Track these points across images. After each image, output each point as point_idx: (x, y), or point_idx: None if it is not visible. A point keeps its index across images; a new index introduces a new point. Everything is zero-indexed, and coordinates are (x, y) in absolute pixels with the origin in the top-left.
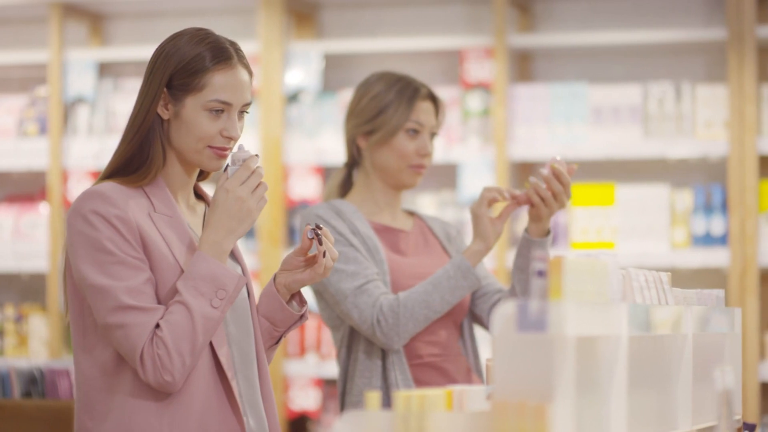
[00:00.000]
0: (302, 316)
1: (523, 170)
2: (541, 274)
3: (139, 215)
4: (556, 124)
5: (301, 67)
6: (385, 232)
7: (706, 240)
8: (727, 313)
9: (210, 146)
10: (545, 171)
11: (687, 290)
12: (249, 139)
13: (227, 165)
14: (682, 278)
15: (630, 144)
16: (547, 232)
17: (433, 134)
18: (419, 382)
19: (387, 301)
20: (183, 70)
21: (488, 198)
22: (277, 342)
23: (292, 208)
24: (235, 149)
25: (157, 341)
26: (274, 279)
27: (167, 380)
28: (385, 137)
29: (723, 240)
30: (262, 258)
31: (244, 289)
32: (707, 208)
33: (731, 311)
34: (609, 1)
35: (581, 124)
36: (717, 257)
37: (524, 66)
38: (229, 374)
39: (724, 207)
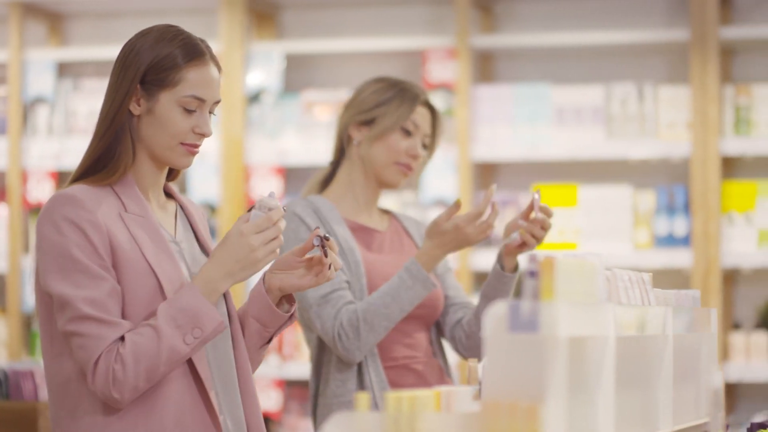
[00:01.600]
0: (291, 316)
1: (486, 171)
2: (532, 274)
3: (110, 218)
4: (519, 124)
5: (263, 67)
6: (361, 232)
7: (669, 241)
8: (704, 313)
9: (182, 143)
10: (538, 215)
11: (666, 291)
12: (210, 139)
13: (252, 207)
14: None
15: (593, 145)
16: (516, 266)
17: (424, 144)
18: (393, 384)
19: (347, 315)
20: (158, 65)
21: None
22: (268, 341)
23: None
24: (265, 194)
25: (117, 356)
26: (263, 279)
27: (115, 396)
28: (382, 132)
29: (686, 241)
30: None
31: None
32: (670, 209)
33: (707, 312)
34: (571, 2)
35: (544, 125)
36: (680, 258)
37: (486, 67)
38: (204, 376)
39: (687, 208)
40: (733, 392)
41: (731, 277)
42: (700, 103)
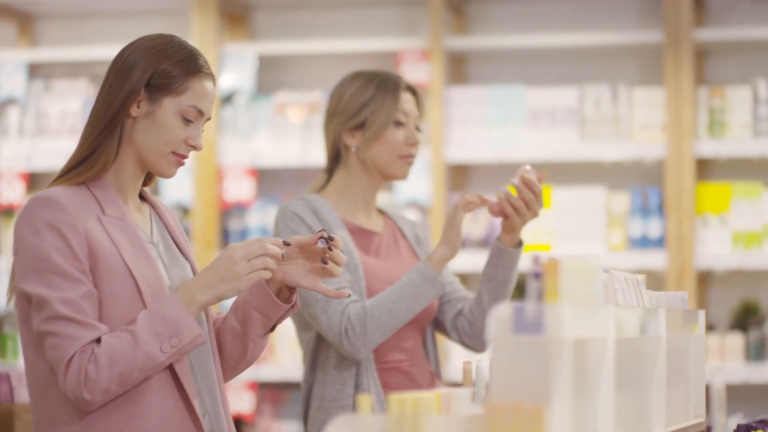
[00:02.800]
0: (293, 306)
1: (459, 172)
2: (537, 276)
3: (89, 221)
4: (492, 126)
5: (235, 68)
6: (359, 234)
7: (643, 242)
8: (692, 315)
9: (174, 152)
10: (516, 181)
11: (657, 292)
12: None
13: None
14: None
15: (566, 146)
16: (519, 243)
17: (416, 127)
18: (386, 387)
19: (354, 311)
20: (165, 71)
21: (467, 208)
22: (272, 329)
23: (227, 211)
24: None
25: (92, 356)
26: None
27: (85, 398)
28: (377, 131)
29: (660, 242)
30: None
31: None
32: (644, 211)
33: (695, 313)
34: (544, 4)
35: (517, 127)
36: (654, 260)
37: (459, 68)
38: (186, 384)
39: (661, 209)
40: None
41: (705, 279)
42: (674, 105)
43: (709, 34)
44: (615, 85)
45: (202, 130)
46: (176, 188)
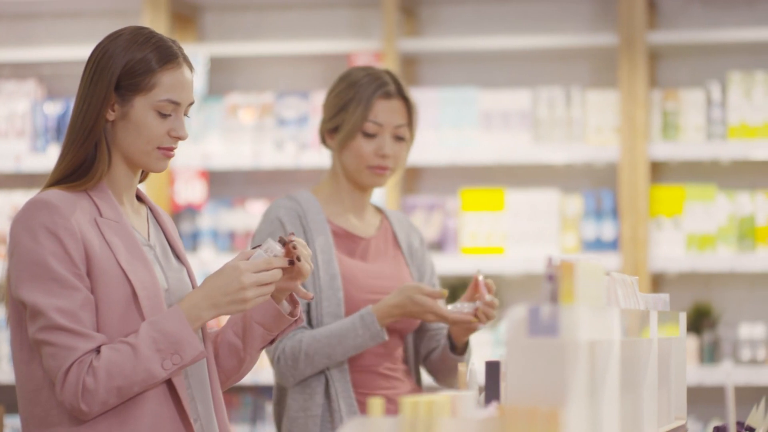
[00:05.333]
0: (297, 320)
1: (412, 175)
2: (550, 278)
3: (85, 224)
4: (445, 128)
5: None
6: (344, 237)
7: (597, 245)
8: (674, 317)
9: (159, 147)
10: (488, 297)
11: (645, 294)
12: None
13: (258, 245)
14: None
15: (519, 149)
16: (466, 344)
17: (397, 136)
18: (363, 388)
19: (291, 343)
20: (131, 70)
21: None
22: (271, 343)
23: (178, 213)
24: (275, 241)
25: (90, 368)
26: None
27: (82, 408)
28: (345, 139)
29: (614, 245)
30: None
31: None
32: (597, 214)
33: (677, 315)
34: (497, 6)
35: (471, 129)
36: (608, 262)
37: (411, 70)
38: (180, 389)
39: (615, 212)
40: None
41: (658, 281)
42: (628, 108)
43: (662, 37)
44: (568, 87)
45: (188, 116)
46: None
